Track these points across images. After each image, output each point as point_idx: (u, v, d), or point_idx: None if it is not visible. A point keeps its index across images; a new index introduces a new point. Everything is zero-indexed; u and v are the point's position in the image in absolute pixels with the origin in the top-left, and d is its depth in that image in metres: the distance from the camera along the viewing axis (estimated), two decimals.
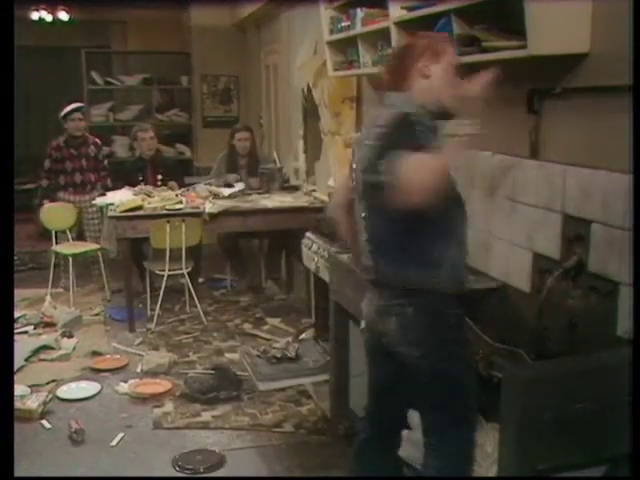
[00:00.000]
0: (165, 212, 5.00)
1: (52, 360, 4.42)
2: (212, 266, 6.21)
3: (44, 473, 3.15)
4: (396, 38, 3.19)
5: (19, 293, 5.35)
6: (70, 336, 4.80)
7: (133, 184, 5.54)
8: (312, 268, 4.05)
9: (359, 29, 3.62)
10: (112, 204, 5.09)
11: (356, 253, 2.49)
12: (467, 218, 2.34)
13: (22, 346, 4.47)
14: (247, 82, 8.31)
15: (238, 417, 3.68)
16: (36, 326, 4.96)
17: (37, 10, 8.41)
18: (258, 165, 5.81)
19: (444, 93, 2.21)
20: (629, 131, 1.96)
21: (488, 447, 2.27)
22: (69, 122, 5.98)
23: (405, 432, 2.53)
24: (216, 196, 5.27)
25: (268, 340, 4.66)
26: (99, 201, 5.50)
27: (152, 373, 4.20)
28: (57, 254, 5.78)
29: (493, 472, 2.11)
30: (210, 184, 5.59)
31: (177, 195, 5.30)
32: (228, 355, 4.53)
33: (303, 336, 4.60)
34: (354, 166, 2.34)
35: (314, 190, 5.46)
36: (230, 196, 5.28)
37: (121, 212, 4.91)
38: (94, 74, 8.34)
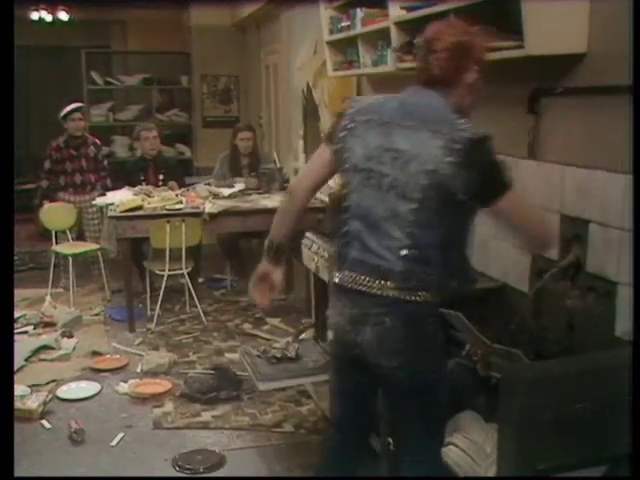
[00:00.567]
0: (165, 212, 5.01)
1: (52, 360, 4.42)
2: (212, 266, 6.22)
3: (44, 473, 3.16)
4: (396, 38, 3.20)
5: (19, 293, 5.36)
6: (70, 336, 4.80)
7: (133, 184, 5.54)
8: (312, 268, 4.05)
9: (359, 29, 3.63)
10: (112, 204, 5.09)
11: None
12: None
13: (22, 346, 4.47)
14: (247, 82, 8.32)
15: (238, 417, 3.68)
16: (36, 326, 4.97)
17: (37, 10, 8.42)
18: (259, 165, 5.82)
19: (474, 99, 2.13)
20: (628, 131, 1.96)
21: (487, 447, 2.27)
22: (69, 122, 5.99)
23: None
24: (216, 196, 5.28)
25: (268, 340, 4.66)
26: (99, 201, 5.51)
27: (152, 373, 4.20)
28: (57, 254, 5.78)
29: (492, 472, 2.11)
30: (210, 184, 5.59)
31: (177, 195, 5.31)
32: (228, 355, 4.54)
33: (303, 336, 4.60)
34: (354, 150, 2.12)
35: None
36: (230, 196, 5.29)
37: (121, 212, 4.92)
38: (94, 74, 8.35)
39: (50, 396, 3.79)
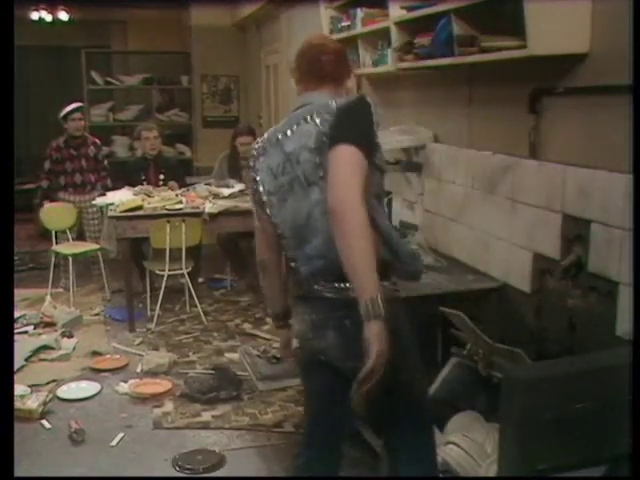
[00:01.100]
0: (165, 212, 5.00)
1: (52, 360, 4.42)
2: (212, 266, 6.21)
3: (44, 473, 3.15)
4: (396, 38, 3.20)
5: (19, 293, 5.35)
6: (70, 336, 4.80)
7: (133, 184, 5.54)
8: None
9: (359, 29, 3.63)
10: (112, 204, 5.09)
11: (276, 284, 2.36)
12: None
13: (22, 346, 4.47)
14: (247, 82, 8.32)
15: (238, 417, 3.68)
16: (36, 326, 4.96)
17: (37, 10, 8.43)
18: None
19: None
20: (629, 131, 1.96)
21: (488, 447, 2.27)
22: (69, 122, 5.98)
23: None
24: (216, 196, 5.27)
25: (268, 340, 4.66)
26: (99, 201, 5.50)
27: (152, 373, 4.20)
28: (57, 254, 5.78)
29: (493, 472, 2.11)
30: (210, 184, 5.59)
31: (177, 195, 5.30)
32: (228, 355, 4.53)
33: None
34: (265, 180, 2.18)
35: None
36: (230, 196, 5.28)
37: (121, 212, 4.91)
38: (94, 74, 8.35)
39: (50, 396, 3.79)
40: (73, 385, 4.05)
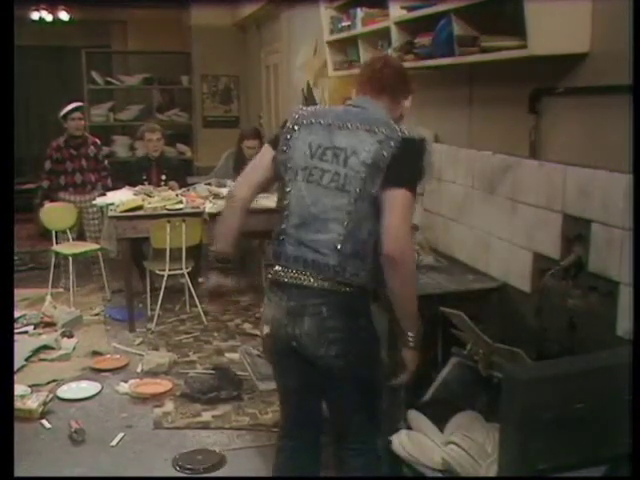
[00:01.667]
0: (165, 212, 5.00)
1: (52, 360, 4.42)
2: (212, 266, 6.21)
3: (44, 473, 3.15)
4: (396, 38, 3.20)
5: (19, 293, 5.35)
6: (70, 336, 4.80)
7: (134, 184, 5.54)
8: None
9: (359, 29, 3.63)
10: (112, 204, 5.09)
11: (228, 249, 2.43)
12: None
13: (22, 346, 4.47)
14: (247, 82, 8.32)
15: (238, 417, 3.68)
16: (36, 326, 4.96)
17: (37, 10, 8.44)
18: None
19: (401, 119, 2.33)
20: (629, 131, 1.96)
21: (488, 447, 2.27)
22: (69, 122, 5.98)
23: (404, 431, 2.53)
24: (216, 196, 5.27)
25: None
26: (99, 201, 5.50)
27: (152, 373, 4.20)
28: (57, 254, 5.78)
29: (493, 472, 2.11)
30: (210, 184, 5.58)
31: (177, 195, 5.30)
32: (228, 355, 4.53)
33: None
34: (297, 150, 2.21)
35: None
36: None
37: (121, 212, 4.91)
38: (94, 74, 8.35)
39: (50, 396, 3.79)
40: (73, 385, 4.05)
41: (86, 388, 4.02)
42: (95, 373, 4.24)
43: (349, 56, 3.93)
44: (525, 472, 1.76)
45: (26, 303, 5.47)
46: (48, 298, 5.32)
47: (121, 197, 5.19)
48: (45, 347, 4.54)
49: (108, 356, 4.49)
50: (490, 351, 2.36)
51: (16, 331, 4.69)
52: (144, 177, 5.73)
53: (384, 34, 3.32)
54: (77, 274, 5.82)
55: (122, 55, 9.40)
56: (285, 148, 2.23)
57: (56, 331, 4.84)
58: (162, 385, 4.03)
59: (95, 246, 5.78)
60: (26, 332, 4.84)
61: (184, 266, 5.06)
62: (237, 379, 4.01)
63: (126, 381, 4.07)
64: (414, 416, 2.56)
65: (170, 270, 5.04)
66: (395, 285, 2.08)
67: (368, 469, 2.33)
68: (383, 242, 2.04)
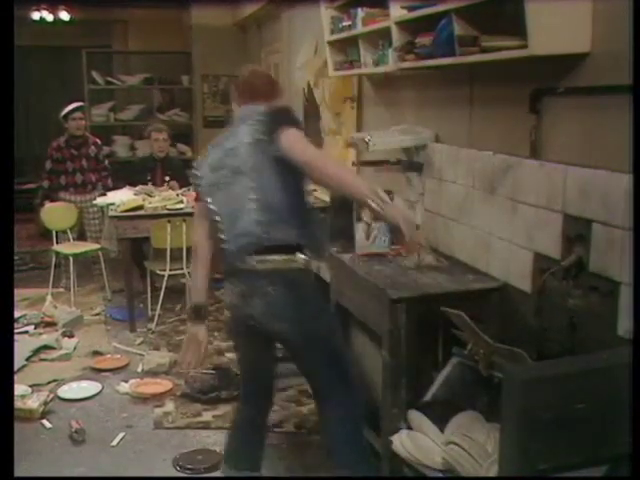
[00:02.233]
0: (166, 212, 5.01)
1: (53, 360, 4.42)
2: (212, 266, 6.20)
3: (44, 473, 3.16)
4: (397, 38, 3.20)
5: (20, 293, 5.36)
6: (71, 336, 4.80)
7: (135, 184, 5.54)
8: (313, 268, 4.05)
9: (360, 29, 3.63)
10: (113, 204, 5.09)
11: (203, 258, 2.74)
12: None
13: (23, 346, 4.47)
14: None
15: None
16: (37, 326, 4.97)
17: (38, 10, 8.44)
18: None
19: None
20: (629, 131, 1.95)
21: (488, 447, 2.27)
22: (70, 122, 5.99)
23: (405, 431, 2.53)
24: None
25: None
26: (100, 201, 5.51)
27: (153, 373, 4.20)
28: (58, 254, 5.78)
29: (493, 472, 2.10)
30: None
31: (178, 195, 5.30)
32: (229, 355, 4.53)
33: None
34: (205, 175, 2.58)
35: (315, 190, 5.45)
36: None
37: (122, 212, 4.92)
38: (95, 74, 8.35)
39: (51, 396, 3.79)
40: (74, 385, 4.06)
41: (86, 388, 4.02)
42: (95, 373, 4.25)
43: (350, 56, 3.93)
44: (525, 472, 1.76)
45: (26, 303, 5.47)
46: (49, 298, 5.33)
47: (122, 197, 5.19)
48: (45, 347, 4.55)
49: (109, 356, 4.49)
50: (490, 351, 2.36)
51: (16, 331, 4.70)
52: (148, 177, 5.74)
53: (385, 34, 3.32)
54: (78, 274, 5.82)
55: (123, 55, 9.40)
56: (197, 182, 2.62)
57: (57, 331, 4.84)
58: (162, 385, 4.03)
59: (96, 246, 5.79)
60: (26, 332, 4.85)
61: (185, 266, 5.05)
62: (237, 379, 4.00)
63: (127, 381, 4.08)
64: (414, 416, 2.56)
65: (171, 270, 5.05)
66: (324, 184, 2.52)
67: (344, 423, 2.60)
68: (294, 158, 2.37)
